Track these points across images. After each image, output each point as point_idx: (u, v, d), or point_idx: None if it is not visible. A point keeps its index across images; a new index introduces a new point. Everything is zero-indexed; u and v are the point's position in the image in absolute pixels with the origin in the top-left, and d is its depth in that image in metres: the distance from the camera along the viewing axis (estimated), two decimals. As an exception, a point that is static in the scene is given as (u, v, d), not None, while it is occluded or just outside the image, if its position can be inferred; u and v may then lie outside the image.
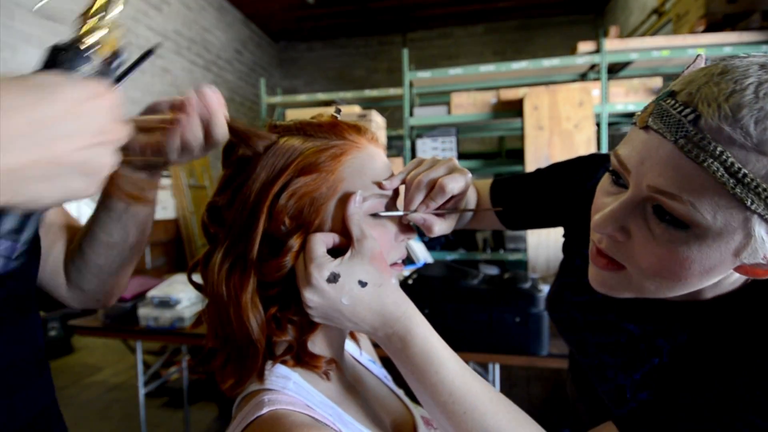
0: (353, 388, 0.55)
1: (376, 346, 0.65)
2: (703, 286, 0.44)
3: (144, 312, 1.94)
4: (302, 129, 0.50)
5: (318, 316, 0.47)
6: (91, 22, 0.40)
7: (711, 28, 2.94)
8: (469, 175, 0.57)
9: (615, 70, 3.31)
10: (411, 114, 3.33)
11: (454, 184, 0.54)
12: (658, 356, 0.55)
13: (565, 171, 0.73)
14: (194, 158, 0.52)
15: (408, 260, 2.23)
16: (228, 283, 0.46)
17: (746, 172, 0.35)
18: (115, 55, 0.43)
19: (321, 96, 3.99)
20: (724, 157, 0.36)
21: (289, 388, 0.46)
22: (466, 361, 0.47)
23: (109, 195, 0.59)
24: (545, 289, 1.56)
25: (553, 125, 2.84)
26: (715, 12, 2.92)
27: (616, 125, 3.49)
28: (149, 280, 2.21)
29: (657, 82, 2.95)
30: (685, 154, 0.38)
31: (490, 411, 0.44)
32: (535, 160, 2.85)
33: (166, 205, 4.42)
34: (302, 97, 4.08)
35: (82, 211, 2.77)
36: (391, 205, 0.53)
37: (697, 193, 0.38)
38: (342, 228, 0.48)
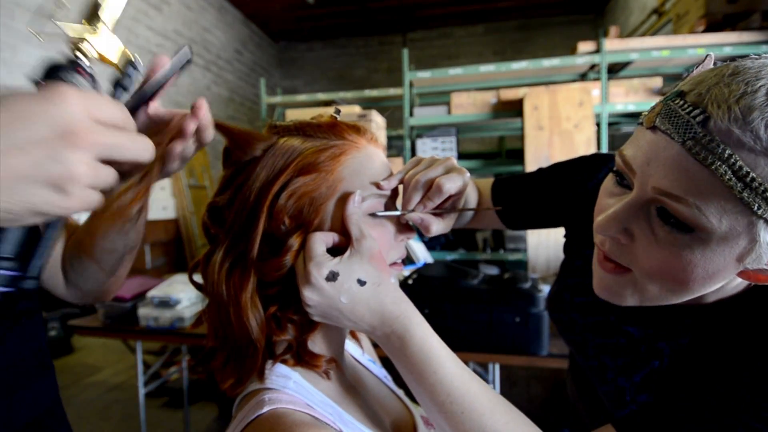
0: (353, 387, 0.55)
1: (376, 346, 0.65)
2: (706, 291, 0.44)
3: (144, 312, 1.94)
4: (302, 129, 0.50)
5: (317, 315, 0.47)
6: (81, 33, 0.39)
7: (711, 28, 2.94)
8: (467, 174, 0.57)
9: (615, 70, 3.31)
10: (411, 114, 3.33)
11: (451, 184, 0.54)
12: (658, 359, 0.55)
13: (566, 171, 0.72)
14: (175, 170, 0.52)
15: (408, 260, 2.22)
16: (228, 283, 0.47)
17: (754, 176, 0.35)
18: (130, 65, 0.42)
19: (321, 96, 3.99)
20: (732, 160, 0.35)
21: (290, 387, 0.46)
22: (466, 361, 0.47)
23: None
24: (545, 289, 1.56)
25: (553, 125, 2.84)
26: (715, 12, 2.92)
27: (616, 125, 3.48)
28: (149, 280, 2.21)
29: (657, 82, 2.95)
30: (692, 156, 0.37)
31: (487, 411, 0.44)
32: (535, 160, 2.84)
33: (166, 205, 4.41)
34: (302, 97, 4.08)
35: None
36: (390, 204, 0.53)
37: (704, 196, 0.37)
38: (341, 227, 0.48)
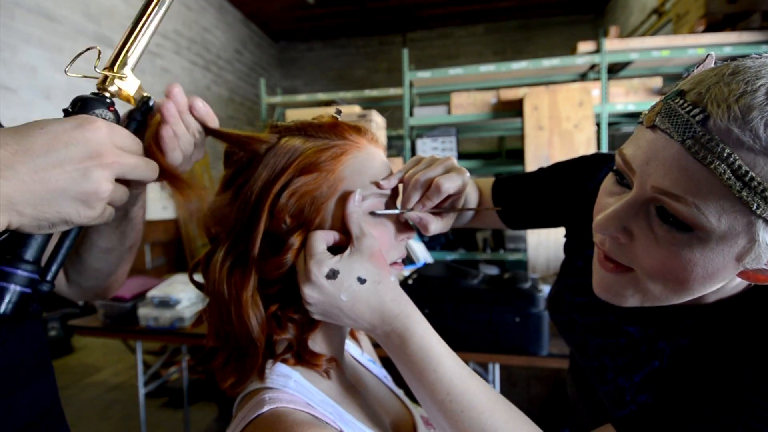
0: (353, 387, 0.55)
1: (376, 346, 0.65)
2: (706, 291, 0.44)
3: (144, 312, 1.94)
4: (303, 129, 0.50)
5: (317, 313, 0.47)
6: (109, 73, 0.45)
7: (711, 28, 2.94)
8: (467, 174, 0.57)
9: (615, 70, 3.31)
10: (411, 114, 3.33)
11: (450, 184, 0.54)
12: (658, 359, 0.55)
13: (566, 171, 0.72)
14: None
15: (408, 260, 2.23)
16: (229, 282, 0.47)
17: (753, 175, 0.35)
18: (144, 102, 0.47)
19: (321, 96, 3.99)
20: (731, 159, 0.35)
21: (290, 386, 0.46)
22: (466, 361, 0.47)
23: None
24: (545, 289, 1.56)
25: (553, 125, 2.84)
26: (715, 12, 2.92)
27: (616, 125, 3.49)
28: (149, 280, 2.21)
29: (657, 82, 2.95)
30: (692, 155, 0.37)
31: (487, 410, 0.44)
32: (535, 160, 2.85)
33: (166, 205, 4.41)
34: (302, 97, 4.08)
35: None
36: (390, 204, 0.54)
37: (702, 195, 0.37)
38: (342, 226, 0.48)
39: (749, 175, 0.35)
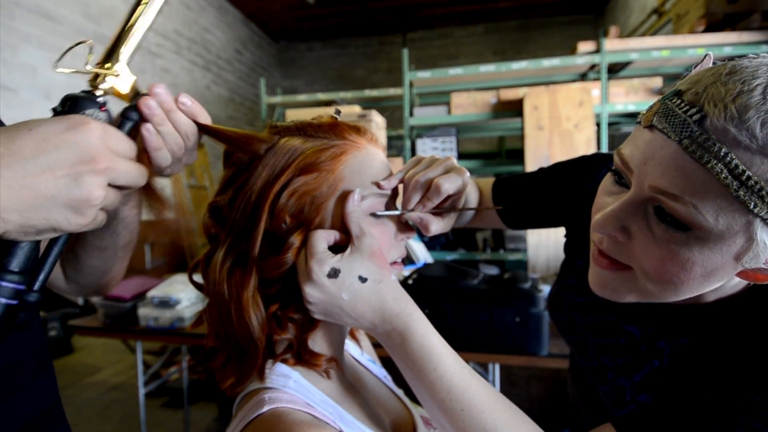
0: (353, 387, 0.55)
1: (376, 346, 0.65)
2: (705, 290, 0.44)
3: (144, 312, 1.94)
4: (303, 129, 0.50)
5: (318, 312, 0.47)
6: (100, 70, 0.42)
7: (711, 28, 2.94)
8: (467, 174, 0.57)
9: (615, 70, 3.31)
10: (411, 114, 3.33)
11: (450, 185, 0.54)
12: (658, 359, 0.55)
13: (566, 171, 0.72)
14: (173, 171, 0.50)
15: (408, 260, 2.23)
16: (229, 282, 0.47)
17: (750, 174, 0.35)
18: (138, 99, 0.44)
19: (321, 96, 3.99)
20: (728, 158, 0.35)
21: (290, 386, 0.46)
22: (466, 361, 0.48)
23: None
24: (545, 289, 1.56)
25: (553, 125, 2.84)
26: (715, 12, 2.91)
27: (616, 125, 3.48)
28: (149, 280, 2.21)
29: (657, 82, 2.95)
30: (688, 154, 0.37)
31: (487, 409, 0.44)
32: (535, 160, 2.85)
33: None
34: (302, 97, 4.08)
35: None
36: (390, 204, 0.54)
37: (700, 194, 0.37)
38: (342, 226, 0.48)
39: (746, 174, 0.35)
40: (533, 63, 3.10)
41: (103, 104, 0.42)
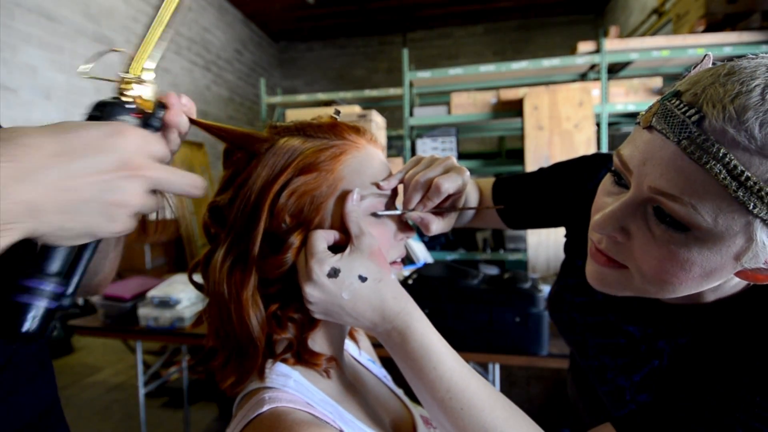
0: (353, 386, 0.56)
1: (376, 345, 0.65)
2: (704, 289, 0.44)
3: (144, 312, 1.94)
4: (302, 129, 0.50)
5: (318, 312, 0.47)
6: (129, 79, 0.42)
7: (711, 28, 2.94)
8: (467, 173, 0.57)
9: (615, 70, 3.31)
10: (411, 114, 3.33)
11: (450, 184, 0.55)
12: (658, 358, 0.55)
13: (566, 171, 0.72)
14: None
15: (408, 260, 2.23)
16: (229, 281, 0.47)
17: (749, 175, 0.35)
18: (160, 106, 0.45)
19: (321, 96, 3.99)
20: (727, 159, 0.35)
21: (290, 386, 0.46)
22: (466, 361, 0.48)
23: None
24: (545, 289, 1.56)
25: (553, 125, 2.84)
26: (715, 12, 2.91)
27: (616, 125, 3.48)
28: (149, 280, 2.21)
29: (657, 82, 2.95)
30: (687, 155, 0.37)
31: (487, 408, 0.44)
32: (535, 160, 2.85)
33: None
34: (302, 97, 4.08)
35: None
36: (390, 203, 0.54)
37: (699, 195, 0.37)
38: (342, 226, 0.48)
39: (745, 174, 0.35)
40: (533, 63, 3.10)
41: (138, 111, 0.42)
